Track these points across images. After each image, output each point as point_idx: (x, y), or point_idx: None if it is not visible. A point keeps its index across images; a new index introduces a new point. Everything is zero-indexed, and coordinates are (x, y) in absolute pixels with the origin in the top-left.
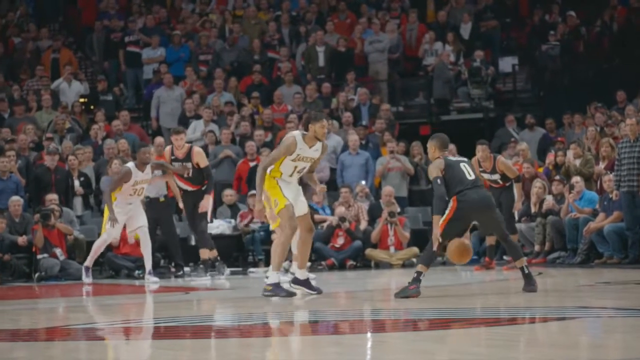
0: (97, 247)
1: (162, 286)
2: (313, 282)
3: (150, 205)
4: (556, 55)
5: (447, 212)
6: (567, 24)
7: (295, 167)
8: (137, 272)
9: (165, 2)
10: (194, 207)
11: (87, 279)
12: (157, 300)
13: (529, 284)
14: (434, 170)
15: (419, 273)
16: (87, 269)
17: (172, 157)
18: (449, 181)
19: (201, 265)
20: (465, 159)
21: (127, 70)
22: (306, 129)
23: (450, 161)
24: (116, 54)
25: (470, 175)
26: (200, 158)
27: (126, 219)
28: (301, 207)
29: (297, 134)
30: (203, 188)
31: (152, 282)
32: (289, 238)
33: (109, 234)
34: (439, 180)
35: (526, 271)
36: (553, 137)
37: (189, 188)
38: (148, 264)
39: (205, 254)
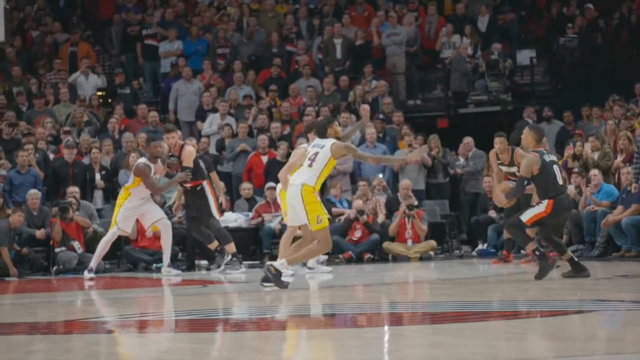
0: (103, 248)
1: (178, 280)
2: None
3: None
4: (574, 48)
5: (539, 210)
6: (585, 16)
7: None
8: (154, 265)
9: None
10: (190, 206)
11: (89, 274)
12: (175, 293)
13: (579, 270)
14: (527, 169)
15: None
16: (90, 270)
17: (170, 154)
18: (542, 182)
19: (233, 259)
20: (555, 159)
21: (144, 63)
22: (324, 135)
23: (545, 163)
24: (134, 48)
25: (560, 180)
26: (185, 156)
27: (139, 214)
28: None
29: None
30: (198, 188)
31: (173, 274)
32: (320, 252)
33: (118, 230)
34: (525, 182)
35: (575, 260)
36: (571, 130)
37: (188, 186)
38: (167, 257)
39: (231, 248)
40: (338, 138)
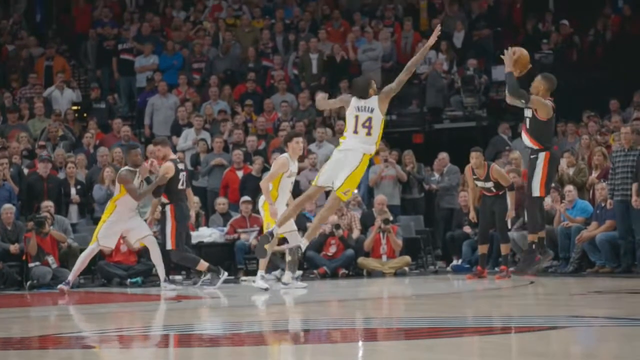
0: (82, 263)
1: (152, 295)
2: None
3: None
4: (549, 64)
5: (541, 168)
6: (561, 32)
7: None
8: (128, 280)
9: (158, 10)
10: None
11: (65, 286)
12: (149, 308)
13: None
14: (547, 109)
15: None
16: (67, 283)
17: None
18: (548, 130)
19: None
20: None
21: (120, 78)
22: (366, 95)
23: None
24: (109, 62)
25: None
26: (163, 171)
27: (124, 230)
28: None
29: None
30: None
31: (169, 289)
32: (325, 217)
33: (98, 246)
34: (549, 110)
35: (532, 247)
36: None
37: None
38: (162, 273)
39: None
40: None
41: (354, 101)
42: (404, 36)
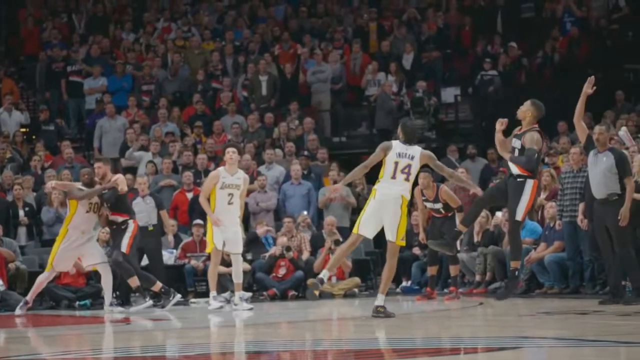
0: (39, 284)
1: (101, 317)
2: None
3: (139, 234)
4: (493, 85)
5: (529, 195)
6: (509, 55)
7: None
8: (77, 302)
9: (108, 32)
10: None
11: (20, 311)
12: (98, 330)
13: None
14: (538, 143)
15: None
16: (26, 302)
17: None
18: (537, 160)
19: (137, 294)
20: None
21: (69, 100)
22: (412, 141)
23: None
24: (58, 84)
25: None
26: (121, 182)
27: (79, 254)
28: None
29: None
30: (123, 226)
31: (117, 312)
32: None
33: (53, 272)
34: (536, 155)
35: (515, 274)
36: (495, 167)
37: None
38: (108, 297)
39: (134, 282)
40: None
41: (397, 146)
42: (352, 57)
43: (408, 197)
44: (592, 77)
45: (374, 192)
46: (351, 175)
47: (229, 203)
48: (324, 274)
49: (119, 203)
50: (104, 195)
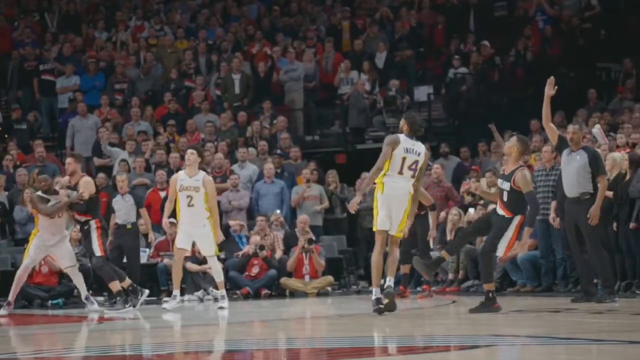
0: (19, 277)
1: (74, 316)
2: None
3: (117, 232)
4: (466, 83)
5: (513, 232)
6: (481, 53)
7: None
8: (49, 302)
9: (80, 31)
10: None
11: (3, 311)
12: (70, 330)
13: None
14: (530, 183)
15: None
16: (8, 303)
17: (68, 185)
18: (524, 198)
19: (117, 298)
20: None
21: (41, 98)
22: (416, 135)
23: None
24: (31, 83)
25: None
26: (81, 185)
27: (51, 253)
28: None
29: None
30: (85, 227)
31: (92, 308)
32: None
33: (30, 259)
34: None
35: (489, 295)
36: (467, 165)
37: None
38: (83, 291)
39: (115, 286)
40: None
41: (404, 141)
42: (325, 56)
43: (412, 192)
44: (552, 77)
45: (381, 187)
46: (367, 182)
47: (189, 205)
48: (390, 281)
49: (86, 204)
50: (71, 207)
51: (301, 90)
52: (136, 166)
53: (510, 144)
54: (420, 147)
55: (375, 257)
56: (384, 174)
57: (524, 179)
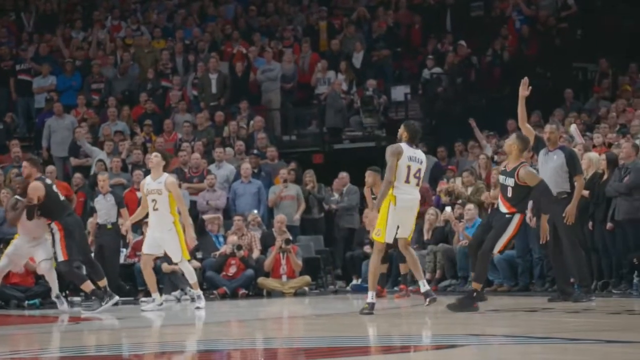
0: None
1: (51, 316)
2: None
3: (98, 231)
4: (442, 84)
5: (512, 230)
6: (458, 53)
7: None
8: (26, 302)
9: (56, 31)
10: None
11: None
12: (47, 330)
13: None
14: (536, 175)
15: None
16: None
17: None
18: (527, 194)
19: (93, 298)
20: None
21: (18, 98)
22: (415, 143)
23: None
24: (7, 83)
25: None
26: (29, 191)
27: (31, 254)
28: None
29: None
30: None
31: (62, 308)
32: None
33: (8, 260)
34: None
35: (473, 294)
36: (444, 165)
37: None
38: (54, 288)
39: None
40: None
41: (406, 150)
42: (302, 56)
43: (419, 197)
44: (526, 78)
45: (394, 200)
46: (380, 198)
47: (154, 209)
48: (371, 298)
49: (44, 208)
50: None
51: (278, 90)
52: (113, 166)
53: (510, 142)
54: (421, 155)
55: (374, 263)
56: (393, 186)
57: (529, 173)
